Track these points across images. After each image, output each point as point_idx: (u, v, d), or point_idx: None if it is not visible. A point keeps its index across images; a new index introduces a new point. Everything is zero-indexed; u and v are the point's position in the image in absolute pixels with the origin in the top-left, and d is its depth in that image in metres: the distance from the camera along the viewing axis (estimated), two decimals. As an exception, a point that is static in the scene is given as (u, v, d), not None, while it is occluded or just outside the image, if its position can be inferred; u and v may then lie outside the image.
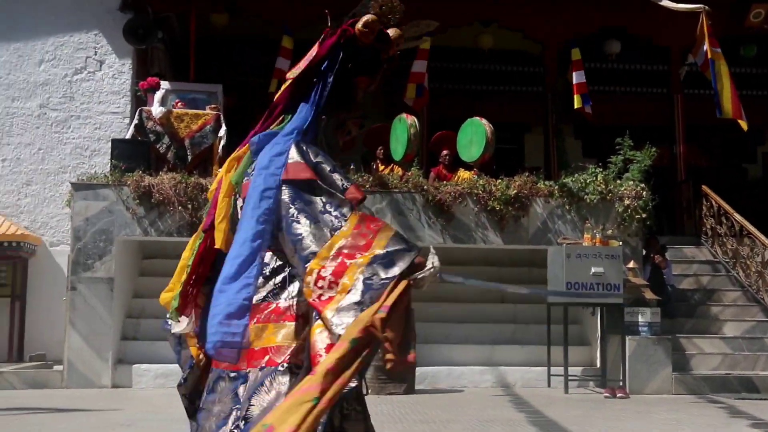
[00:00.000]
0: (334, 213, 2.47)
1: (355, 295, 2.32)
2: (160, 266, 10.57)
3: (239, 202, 2.72)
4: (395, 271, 2.34)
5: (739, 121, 10.91)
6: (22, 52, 12.33)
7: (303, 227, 2.45)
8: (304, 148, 2.62)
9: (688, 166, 13.06)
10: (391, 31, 2.81)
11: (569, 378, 9.41)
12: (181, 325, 2.93)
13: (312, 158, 2.60)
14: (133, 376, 9.64)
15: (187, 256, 2.84)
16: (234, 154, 2.78)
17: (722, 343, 10.21)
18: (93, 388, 9.39)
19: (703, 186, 12.16)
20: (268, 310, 2.57)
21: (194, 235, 2.85)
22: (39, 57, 12.33)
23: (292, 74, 2.81)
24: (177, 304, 2.81)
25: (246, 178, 2.68)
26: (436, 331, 10.31)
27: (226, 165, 2.80)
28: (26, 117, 12.17)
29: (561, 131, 12.71)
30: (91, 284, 9.66)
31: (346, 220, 2.45)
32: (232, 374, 2.56)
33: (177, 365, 8.71)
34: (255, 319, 2.55)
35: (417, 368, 9.67)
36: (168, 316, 2.87)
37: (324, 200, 2.50)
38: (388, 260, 2.35)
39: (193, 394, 2.86)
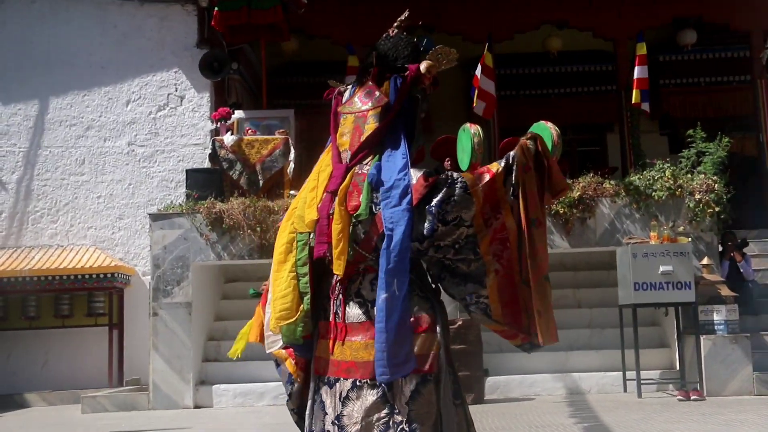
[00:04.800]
0: None
1: None
2: (242, 289, 10.92)
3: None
4: None
5: None
6: (111, 94, 13.06)
7: None
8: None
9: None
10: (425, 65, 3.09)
11: (646, 381, 9.12)
12: (276, 345, 3.07)
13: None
14: (214, 396, 9.98)
15: (290, 282, 2.93)
16: (343, 188, 2.89)
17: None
18: (176, 408, 9.81)
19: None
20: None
21: (288, 262, 2.94)
22: (126, 98, 13.04)
23: (372, 121, 3.01)
24: (303, 332, 2.92)
25: (376, 210, 2.82)
26: (510, 340, 10.17)
27: (339, 197, 2.87)
28: (117, 155, 12.88)
29: (638, 128, 12.31)
30: (171, 309, 10.12)
31: None
32: (371, 382, 2.74)
33: (256, 384, 9.12)
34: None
35: (489, 377, 9.60)
36: (290, 340, 2.93)
37: None
38: None
39: (300, 408, 3.01)
